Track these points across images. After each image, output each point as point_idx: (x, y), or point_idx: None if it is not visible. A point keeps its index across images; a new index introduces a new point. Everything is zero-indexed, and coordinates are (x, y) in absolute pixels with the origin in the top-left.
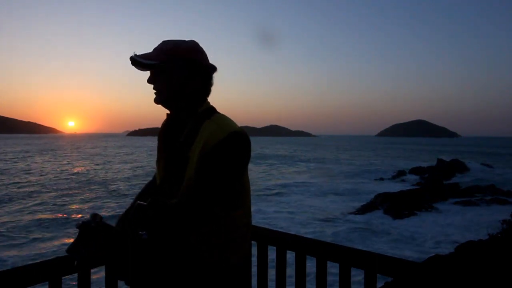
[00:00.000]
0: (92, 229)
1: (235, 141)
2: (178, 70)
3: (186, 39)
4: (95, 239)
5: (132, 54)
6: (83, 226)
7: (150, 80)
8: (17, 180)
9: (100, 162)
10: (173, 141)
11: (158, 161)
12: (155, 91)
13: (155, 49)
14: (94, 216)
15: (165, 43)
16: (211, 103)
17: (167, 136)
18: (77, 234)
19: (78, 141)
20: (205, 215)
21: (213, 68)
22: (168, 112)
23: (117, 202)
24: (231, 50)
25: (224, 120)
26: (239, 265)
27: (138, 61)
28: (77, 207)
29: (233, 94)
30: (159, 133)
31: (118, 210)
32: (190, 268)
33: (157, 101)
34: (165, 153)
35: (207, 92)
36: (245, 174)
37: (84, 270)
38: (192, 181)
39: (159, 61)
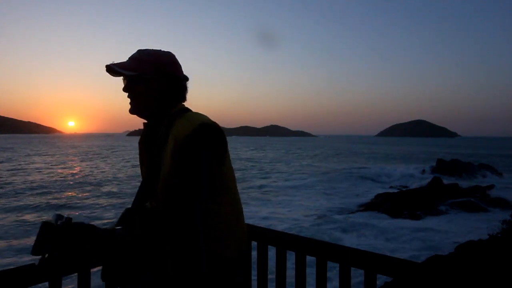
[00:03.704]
0: (55, 228)
1: (204, 133)
2: (157, 80)
3: (163, 50)
4: (60, 238)
5: (111, 61)
6: (44, 225)
7: (125, 89)
8: (7, 179)
9: (96, 162)
10: (152, 147)
11: (141, 168)
12: (129, 100)
13: (132, 58)
14: (58, 216)
15: (142, 53)
16: (212, 103)
17: (147, 144)
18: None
19: (77, 141)
20: (187, 212)
21: (186, 79)
22: (145, 121)
23: (110, 203)
24: (231, 50)
25: (194, 115)
26: (228, 256)
27: (113, 69)
28: (68, 207)
29: (234, 94)
30: (139, 143)
31: (111, 211)
32: (178, 261)
33: (131, 111)
34: (147, 160)
35: (182, 99)
36: (224, 165)
37: (84, 270)
38: (166, 180)
39: (139, 71)
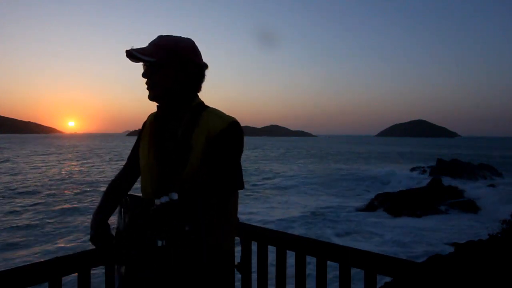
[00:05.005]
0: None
1: (236, 130)
2: (175, 67)
3: (183, 36)
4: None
5: (129, 48)
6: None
7: (145, 75)
8: (3, 179)
9: (94, 161)
10: (167, 132)
11: (143, 150)
12: (147, 86)
13: (152, 44)
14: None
15: (162, 39)
16: (212, 103)
17: (160, 127)
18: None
19: (77, 140)
20: (213, 199)
21: (206, 66)
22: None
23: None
24: (231, 50)
25: (220, 112)
26: (230, 251)
27: (132, 54)
28: (66, 207)
29: (234, 93)
30: (149, 124)
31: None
32: (188, 253)
33: (150, 97)
34: (159, 142)
35: (199, 88)
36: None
37: (84, 270)
38: (197, 166)
39: (157, 57)
